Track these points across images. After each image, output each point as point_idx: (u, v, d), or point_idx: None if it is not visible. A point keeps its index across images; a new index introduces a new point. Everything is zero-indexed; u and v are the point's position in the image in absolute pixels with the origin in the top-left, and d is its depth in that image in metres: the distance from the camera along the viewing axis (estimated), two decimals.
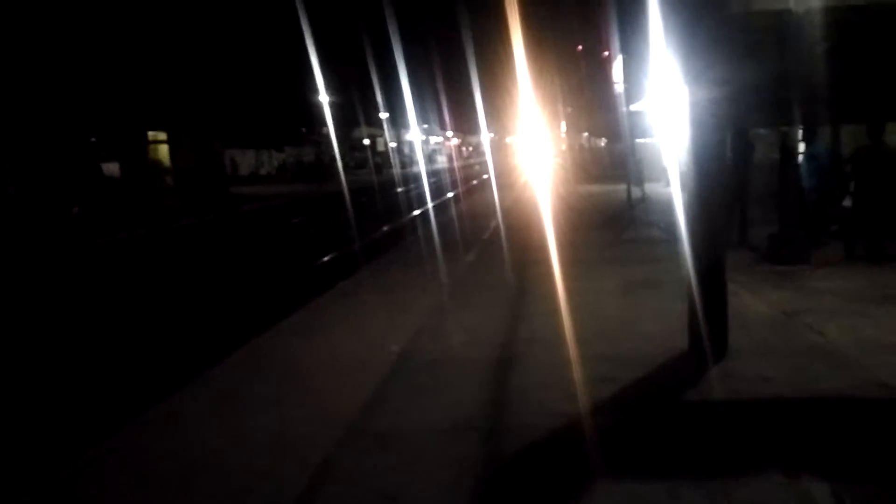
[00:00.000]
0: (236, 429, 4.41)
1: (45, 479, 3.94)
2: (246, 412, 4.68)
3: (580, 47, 29.60)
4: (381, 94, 50.12)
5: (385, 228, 18.00)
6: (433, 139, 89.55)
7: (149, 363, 7.00)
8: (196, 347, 7.17)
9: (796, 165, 9.18)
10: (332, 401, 4.80)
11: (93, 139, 24.45)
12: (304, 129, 56.61)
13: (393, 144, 68.46)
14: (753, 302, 6.86)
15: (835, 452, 3.70)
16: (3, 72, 21.06)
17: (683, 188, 5.21)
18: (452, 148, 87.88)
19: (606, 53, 24.76)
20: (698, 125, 5.13)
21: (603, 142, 37.36)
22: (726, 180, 9.78)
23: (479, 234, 13.73)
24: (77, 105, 22.06)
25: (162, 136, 31.43)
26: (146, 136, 30.49)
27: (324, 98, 44.51)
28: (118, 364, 7.11)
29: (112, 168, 27.70)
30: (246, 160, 56.83)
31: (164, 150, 31.97)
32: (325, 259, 13.21)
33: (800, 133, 9.46)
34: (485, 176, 43.76)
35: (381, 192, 30.07)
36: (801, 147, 9.50)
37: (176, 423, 4.63)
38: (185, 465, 3.94)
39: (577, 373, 5.04)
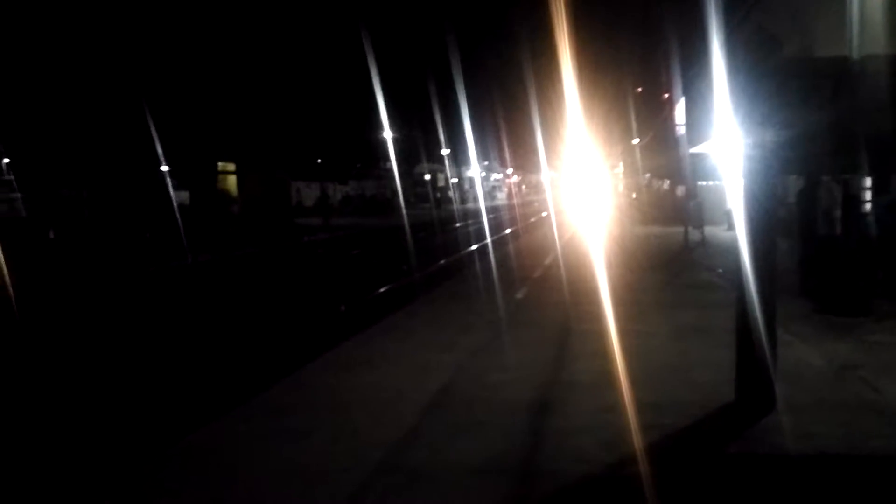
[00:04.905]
0: (266, 460, 4.47)
1: None
2: (280, 444, 4.74)
3: (640, 89, 29.46)
4: (444, 131, 50.82)
5: (441, 262, 18.13)
6: (493, 176, 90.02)
7: (194, 391, 7.17)
8: (241, 377, 7.32)
9: (860, 214, 8.88)
10: (366, 435, 4.83)
11: (165, 169, 25.53)
12: (366, 164, 57.80)
13: (454, 180, 69.12)
14: (808, 353, 6.61)
15: None
16: (83, 105, 22.31)
17: (740, 232, 5.12)
18: (512, 185, 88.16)
19: (666, 96, 24.56)
20: (758, 169, 5.06)
21: (666, 183, 36.85)
22: (788, 226, 9.56)
23: (533, 271, 13.69)
24: (151, 136, 23.13)
25: (231, 167, 32.65)
26: (216, 166, 31.72)
27: (388, 134, 45.41)
28: (162, 390, 7.32)
29: (182, 196, 28.87)
30: (311, 192, 58.30)
31: (232, 181, 33.18)
32: (379, 291, 13.37)
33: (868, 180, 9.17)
34: (543, 213, 43.67)
35: (440, 227, 30.32)
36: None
37: (209, 453, 4.73)
38: (212, 498, 4.03)
39: (618, 419, 4.94)
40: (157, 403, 6.78)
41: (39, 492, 4.88)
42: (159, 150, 24.08)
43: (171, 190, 25.65)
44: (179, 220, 22.67)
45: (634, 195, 37.11)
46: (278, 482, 4.12)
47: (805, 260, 9.88)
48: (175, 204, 25.34)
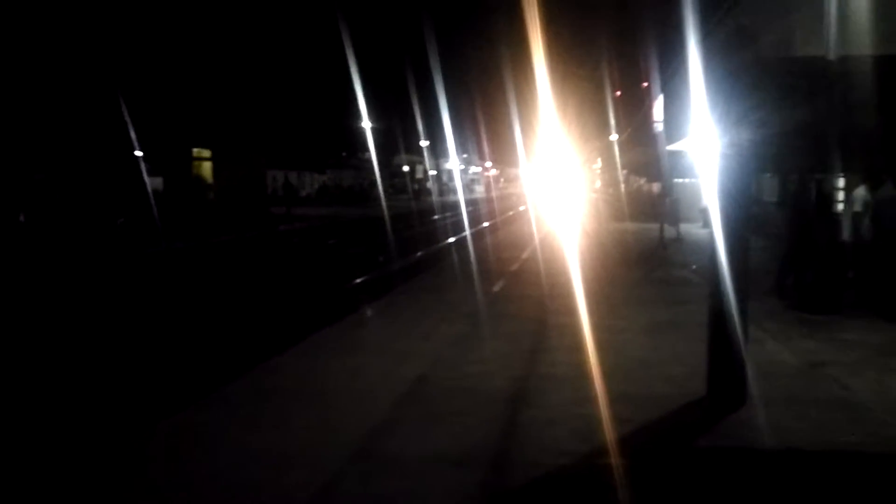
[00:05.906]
0: (243, 444, 4.45)
1: None
2: (255, 430, 4.72)
3: (618, 86, 29.67)
4: (422, 122, 50.71)
5: (418, 254, 18.10)
6: (472, 169, 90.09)
7: (170, 375, 7.09)
8: (218, 364, 7.24)
9: (832, 214, 9.03)
10: (341, 423, 4.82)
11: (139, 154, 25.15)
12: (344, 154, 57.53)
13: (432, 172, 69.03)
14: (779, 350, 6.71)
15: None
16: (56, 88, 21.89)
17: (715, 230, 5.18)
18: (490, 179, 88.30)
19: (645, 87, 24.77)
20: (734, 167, 5.12)
21: (642, 180, 37.13)
22: (763, 224, 9.65)
23: (509, 265, 13.73)
24: (125, 121, 22.78)
25: (206, 153, 32.23)
26: (191, 152, 31.31)
27: (366, 124, 45.18)
28: (142, 374, 7.22)
29: (156, 182, 28.44)
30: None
31: (207, 167, 32.77)
32: (355, 282, 13.32)
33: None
34: (521, 207, 43.81)
35: (417, 219, 30.27)
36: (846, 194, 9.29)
37: (186, 437, 4.70)
38: (189, 480, 4.01)
39: (590, 412, 4.98)
40: (133, 389, 6.69)
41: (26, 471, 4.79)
42: (133, 135, 23.71)
43: (144, 175, 25.28)
44: (154, 207, 22.37)
45: (611, 191, 37.36)
46: (254, 466, 4.10)
47: (786, 259, 9.88)
48: (149, 190, 24.98)
